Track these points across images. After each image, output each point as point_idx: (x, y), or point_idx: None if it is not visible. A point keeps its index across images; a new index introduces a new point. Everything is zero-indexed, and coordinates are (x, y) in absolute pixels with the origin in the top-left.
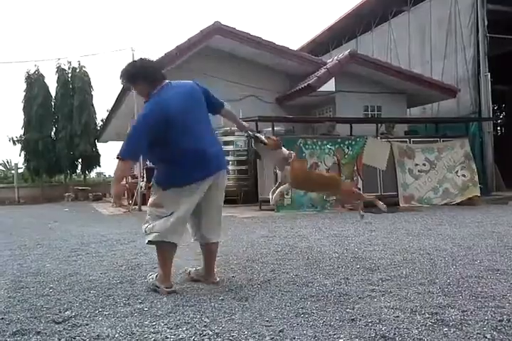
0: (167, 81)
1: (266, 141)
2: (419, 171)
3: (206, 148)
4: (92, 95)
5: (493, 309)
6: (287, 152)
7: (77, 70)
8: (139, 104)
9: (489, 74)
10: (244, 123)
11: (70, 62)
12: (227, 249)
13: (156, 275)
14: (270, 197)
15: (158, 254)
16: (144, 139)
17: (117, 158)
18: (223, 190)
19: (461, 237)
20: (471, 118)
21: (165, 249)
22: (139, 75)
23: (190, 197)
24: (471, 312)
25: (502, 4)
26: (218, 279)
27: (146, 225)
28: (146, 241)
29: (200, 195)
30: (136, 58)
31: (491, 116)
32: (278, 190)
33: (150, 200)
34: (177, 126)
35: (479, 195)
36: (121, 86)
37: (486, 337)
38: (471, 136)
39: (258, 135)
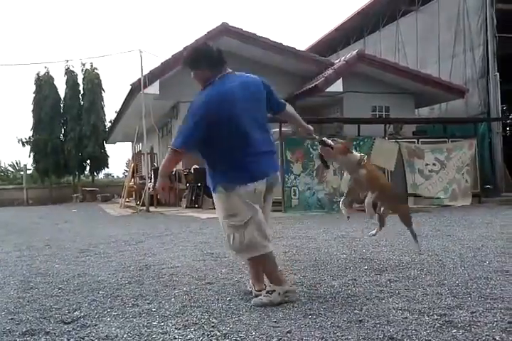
0: (229, 70)
1: (333, 145)
2: (429, 171)
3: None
4: (102, 97)
5: (502, 310)
6: (359, 155)
7: (89, 72)
8: (147, 105)
9: (498, 74)
10: (309, 126)
11: (84, 64)
12: None
13: (268, 292)
14: (342, 208)
15: (262, 264)
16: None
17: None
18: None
19: (470, 238)
20: (479, 118)
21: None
22: (203, 60)
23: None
24: (480, 314)
25: (511, 3)
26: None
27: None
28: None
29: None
30: (144, 60)
31: (500, 116)
32: (367, 202)
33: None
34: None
35: (469, 204)
36: (130, 87)
37: (495, 339)
38: (480, 136)
39: (324, 139)
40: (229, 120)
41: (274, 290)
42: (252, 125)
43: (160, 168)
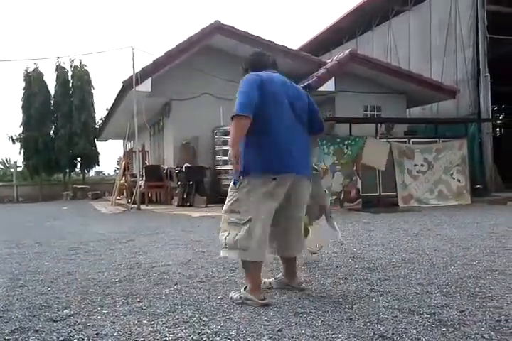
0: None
1: None
2: (417, 171)
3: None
4: (92, 94)
5: (491, 309)
6: None
7: (78, 69)
8: (139, 103)
9: (489, 75)
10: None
11: (72, 61)
12: None
13: (245, 288)
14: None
15: (244, 267)
16: (255, 92)
17: (231, 117)
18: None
19: (460, 238)
20: (470, 118)
21: (251, 265)
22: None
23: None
24: (469, 313)
25: (502, 5)
26: (303, 284)
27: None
28: (225, 255)
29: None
30: (136, 57)
31: (491, 117)
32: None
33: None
34: (270, 104)
35: (469, 202)
36: (122, 85)
37: (484, 337)
38: (471, 136)
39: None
40: (269, 99)
41: (245, 292)
42: (283, 118)
43: (230, 138)
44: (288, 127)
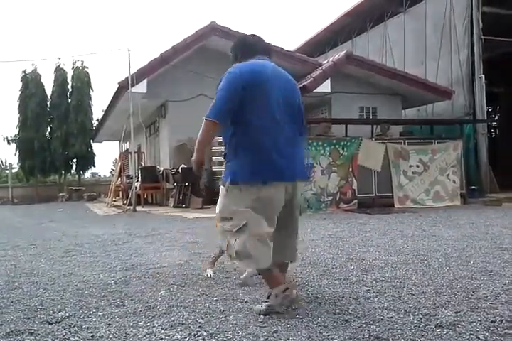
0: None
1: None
2: (413, 172)
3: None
4: (90, 95)
5: (485, 310)
6: None
7: (79, 70)
8: (134, 104)
9: (483, 76)
10: None
11: (75, 62)
12: None
13: (268, 297)
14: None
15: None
16: (234, 95)
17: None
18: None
19: (455, 238)
20: (465, 119)
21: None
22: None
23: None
24: (464, 313)
25: (497, 7)
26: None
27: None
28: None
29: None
30: (131, 58)
31: (485, 117)
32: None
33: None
34: (255, 100)
35: (459, 204)
36: (117, 86)
37: (479, 338)
38: (466, 137)
39: None
40: (255, 97)
41: (271, 293)
42: (280, 114)
43: (197, 140)
44: (275, 126)
